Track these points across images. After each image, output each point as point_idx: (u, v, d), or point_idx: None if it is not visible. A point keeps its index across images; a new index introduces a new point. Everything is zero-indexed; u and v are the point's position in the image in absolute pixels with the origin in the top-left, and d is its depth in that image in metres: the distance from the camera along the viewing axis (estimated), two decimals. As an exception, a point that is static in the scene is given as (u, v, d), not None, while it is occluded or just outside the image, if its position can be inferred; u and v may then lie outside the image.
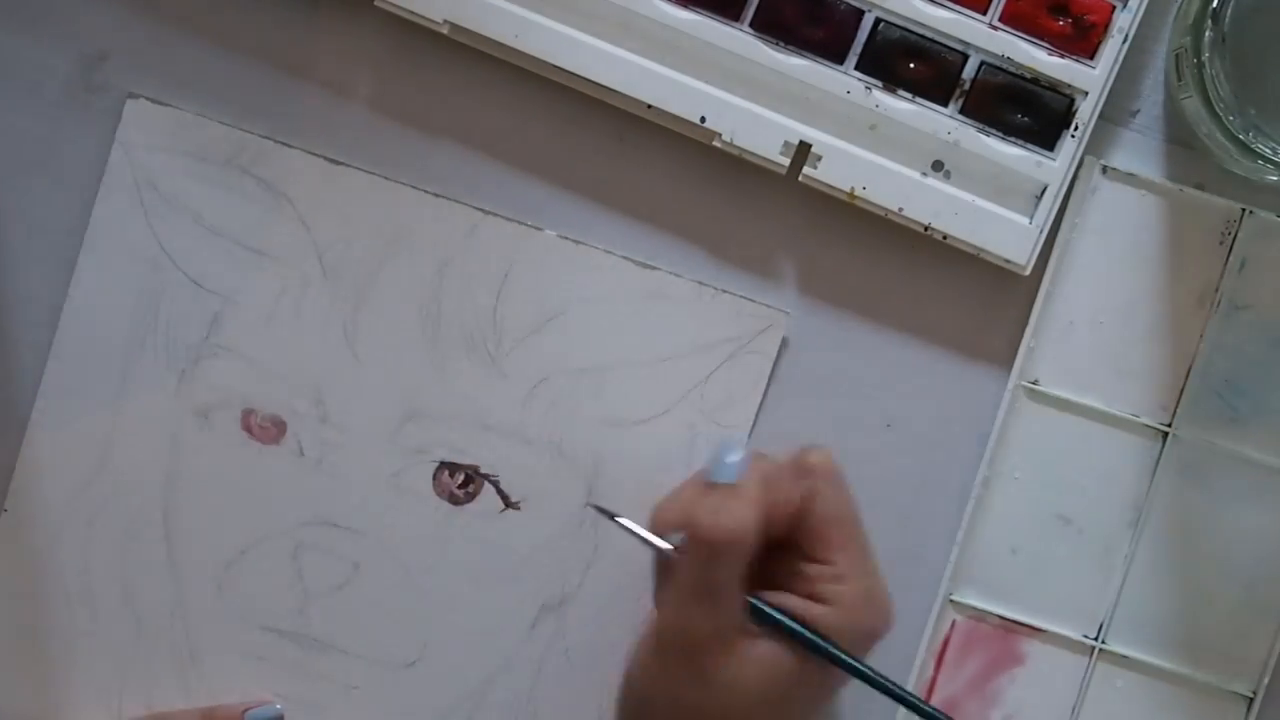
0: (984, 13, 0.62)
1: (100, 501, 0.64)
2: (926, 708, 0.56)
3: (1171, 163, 0.64)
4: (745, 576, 0.57)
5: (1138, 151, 0.64)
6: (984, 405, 0.65)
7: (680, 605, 0.57)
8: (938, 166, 0.63)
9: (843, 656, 0.57)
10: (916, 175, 0.63)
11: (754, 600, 0.57)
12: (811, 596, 0.57)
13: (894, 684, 0.57)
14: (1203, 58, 0.59)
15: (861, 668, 0.57)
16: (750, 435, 0.64)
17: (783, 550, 0.59)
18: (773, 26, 0.62)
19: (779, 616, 0.57)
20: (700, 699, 0.57)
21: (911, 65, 0.62)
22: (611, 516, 0.61)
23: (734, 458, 0.58)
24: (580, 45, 0.62)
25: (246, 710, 0.63)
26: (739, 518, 0.56)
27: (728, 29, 0.62)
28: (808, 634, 0.57)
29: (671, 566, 0.58)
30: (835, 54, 0.62)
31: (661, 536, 0.59)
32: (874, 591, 0.57)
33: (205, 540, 0.64)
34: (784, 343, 0.64)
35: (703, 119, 0.62)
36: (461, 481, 0.64)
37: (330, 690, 0.64)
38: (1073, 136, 0.62)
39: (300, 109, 0.64)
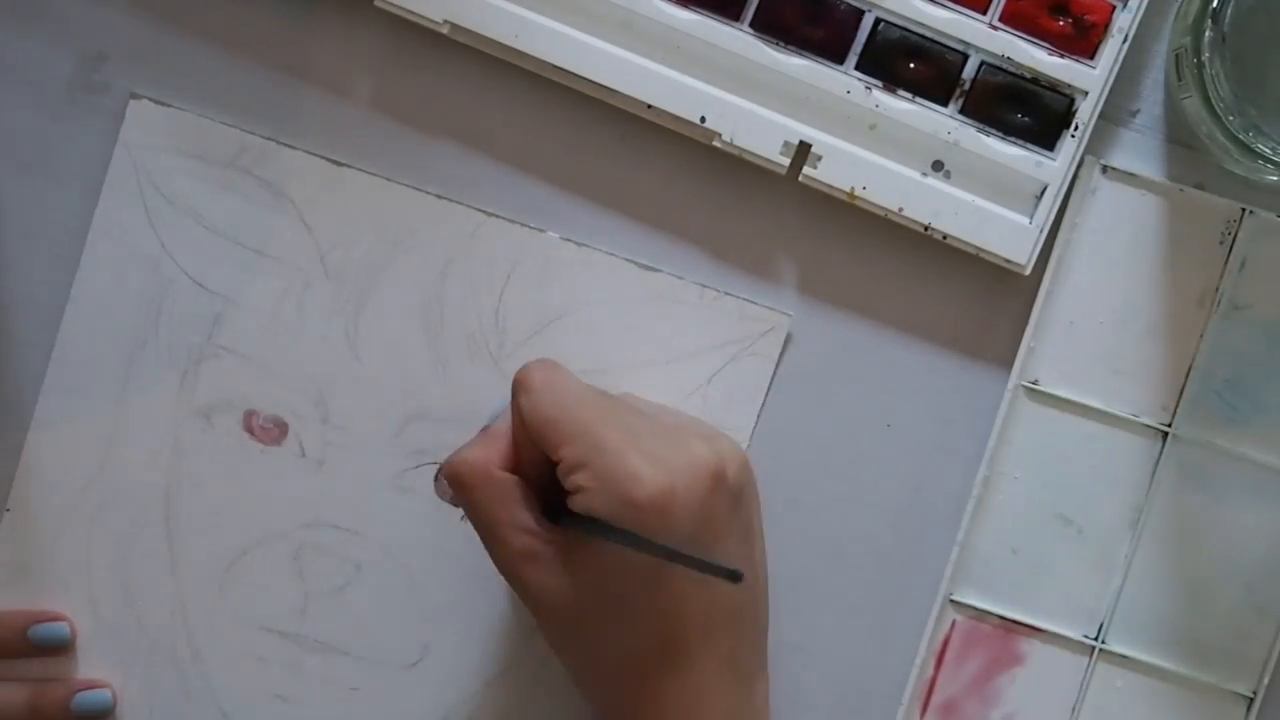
0: (984, 13, 0.62)
1: (102, 502, 0.64)
2: (707, 564, 0.54)
3: (1171, 163, 0.64)
4: (529, 497, 0.58)
5: (1138, 151, 0.64)
6: (984, 405, 0.65)
7: (484, 544, 0.59)
8: (938, 166, 0.63)
9: (617, 529, 0.56)
10: (916, 175, 0.63)
11: (547, 515, 0.58)
12: (572, 492, 0.57)
13: (660, 545, 0.55)
14: (1203, 58, 0.59)
15: (636, 537, 0.55)
16: (752, 436, 0.64)
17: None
18: (773, 26, 0.62)
19: (576, 519, 0.57)
20: (550, 610, 0.58)
21: (911, 65, 0.62)
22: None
23: (498, 404, 0.61)
24: (580, 45, 0.62)
25: (77, 692, 0.63)
26: (472, 451, 0.59)
27: (728, 29, 0.62)
28: (586, 519, 0.56)
29: None
30: (835, 54, 0.62)
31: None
32: (610, 465, 0.56)
33: (206, 541, 0.64)
34: (785, 344, 0.64)
35: (703, 119, 0.62)
36: (463, 482, 0.64)
37: (331, 691, 0.64)
38: (1073, 136, 0.62)
39: (301, 109, 0.64)
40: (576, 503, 0.56)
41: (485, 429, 0.61)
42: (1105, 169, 0.64)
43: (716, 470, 0.58)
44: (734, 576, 0.52)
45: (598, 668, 0.59)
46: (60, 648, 0.63)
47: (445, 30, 0.62)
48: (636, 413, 0.60)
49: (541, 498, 0.59)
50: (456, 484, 0.59)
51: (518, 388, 0.59)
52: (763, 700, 0.61)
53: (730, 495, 0.58)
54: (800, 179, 0.63)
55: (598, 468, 0.56)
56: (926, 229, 0.63)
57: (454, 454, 0.59)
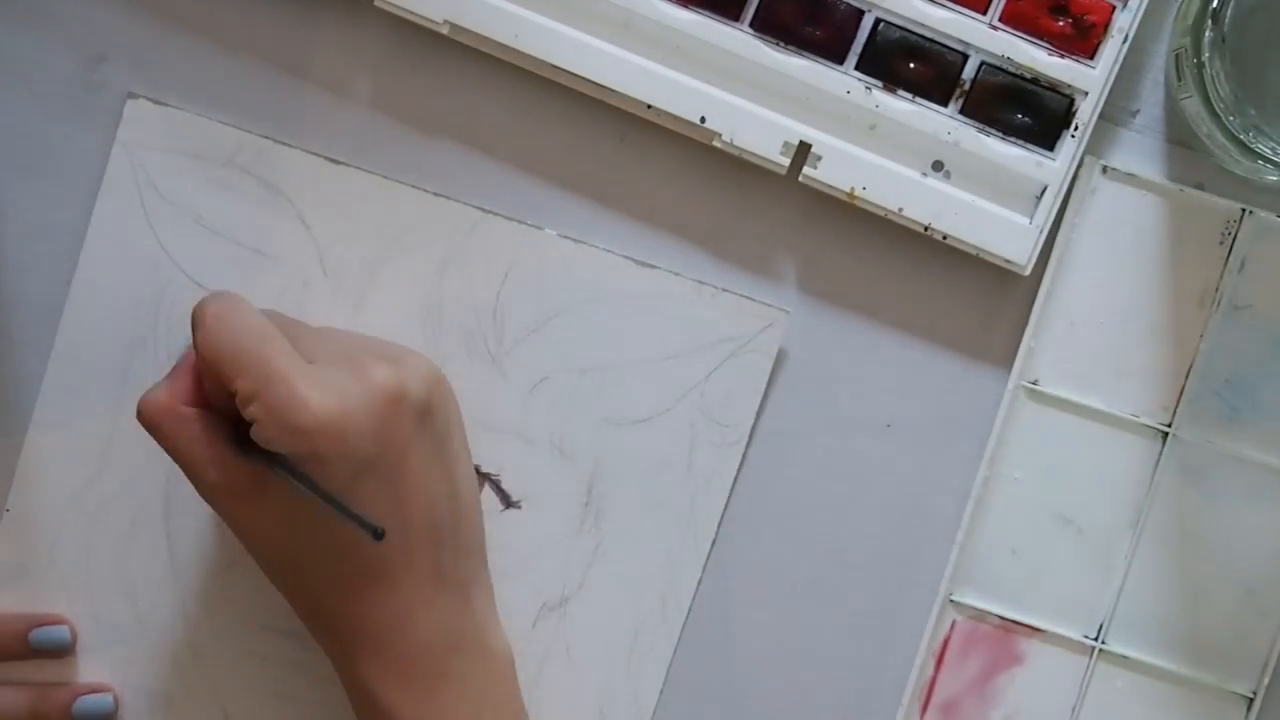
0: (984, 13, 0.62)
1: (102, 501, 0.64)
2: (354, 515, 0.55)
3: (1171, 163, 0.64)
4: (220, 429, 0.58)
5: (1138, 151, 0.64)
6: (984, 405, 0.65)
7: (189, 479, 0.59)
8: (938, 166, 0.63)
9: (279, 463, 0.56)
10: (916, 175, 0.63)
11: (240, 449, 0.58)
12: (250, 422, 0.57)
13: (312, 487, 0.56)
14: (1203, 58, 0.59)
15: (293, 473, 0.56)
16: (751, 435, 0.64)
17: None
18: (773, 26, 0.62)
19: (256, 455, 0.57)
20: (252, 540, 0.59)
21: (911, 65, 0.62)
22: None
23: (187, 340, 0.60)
24: (580, 45, 0.62)
25: (78, 697, 0.63)
26: (156, 390, 0.58)
27: (728, 29, 0.62)
28: (262, 453, 0.56)
29: None
30: (835, 54, 0.62)
31: None
32: (278, 393, 0.56)
33: (206, 540, 0.64)
34: (784, 342, 0.64)
35: (703, 119, 0.62)
36: (462, 481, 0.64)
37: (332, 690, 0.64)
38: (1073, 136, 0.62)
39: (300, 109, 0.64)
40: (255, 434, 0.56)
41: (176, 366, 0.60)
42: (1105, 169, 0.64)
43: (395, 390, 0.57)
44: (377, 534, 0.54)
45: (307, 591, 0.59)
46: (61, 651, 0.63)
47: (445, 30, 0.62)
48: (321, 341, 0.60)
49: (233, 428, 0.58)
50: (145, 424, 0.58)
51: (193, 323, 0.58)
52: (485, 607, 0.61)
53: (414, 412, 0.58)
54: (800, 179, 0.63)
55: (267, 398, 0.56)
56: (926, 229, 0.63)
57: (143, 394, 0.59)
